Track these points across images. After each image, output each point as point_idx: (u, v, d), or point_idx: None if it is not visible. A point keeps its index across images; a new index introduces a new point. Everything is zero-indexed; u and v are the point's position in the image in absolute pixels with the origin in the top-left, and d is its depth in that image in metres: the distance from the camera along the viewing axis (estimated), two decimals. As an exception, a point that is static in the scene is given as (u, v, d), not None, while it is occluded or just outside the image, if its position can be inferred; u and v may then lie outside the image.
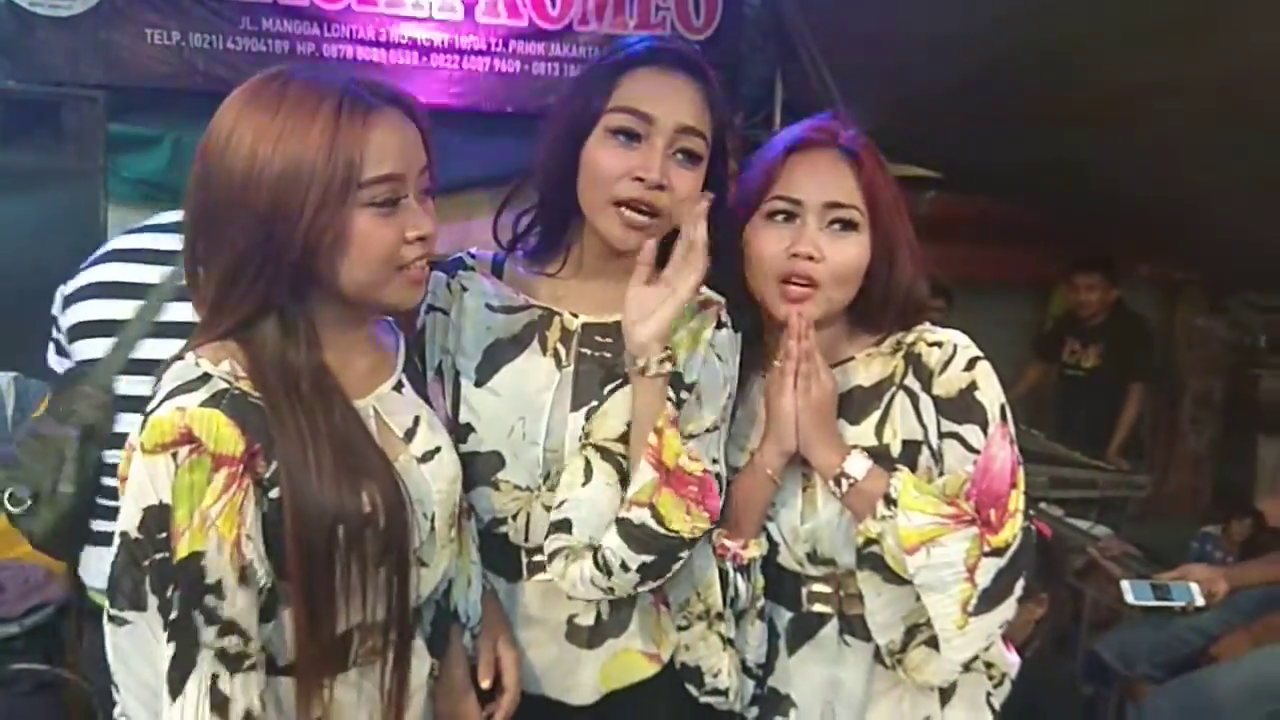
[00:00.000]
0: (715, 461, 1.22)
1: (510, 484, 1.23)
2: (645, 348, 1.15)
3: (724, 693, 1.27)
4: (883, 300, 1.24)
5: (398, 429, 1.09)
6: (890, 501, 1.15)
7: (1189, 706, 2.28)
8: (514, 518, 1.24)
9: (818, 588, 1.28)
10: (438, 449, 1.12)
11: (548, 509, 1.21)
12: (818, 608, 1.28)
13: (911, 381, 1.23)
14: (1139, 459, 4.07)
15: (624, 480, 1.18)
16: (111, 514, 1.03)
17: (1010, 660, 1.30)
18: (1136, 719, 2.49)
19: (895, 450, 1.22)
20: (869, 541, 1.19)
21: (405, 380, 1.14)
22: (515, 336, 1.26)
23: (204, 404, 0.93)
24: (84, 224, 2.77)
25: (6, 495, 1.43)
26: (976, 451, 1.18)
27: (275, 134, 0.93)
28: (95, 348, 1.43)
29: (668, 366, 1.16)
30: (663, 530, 1.14)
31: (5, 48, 3.27)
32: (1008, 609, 1.16)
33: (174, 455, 0.91)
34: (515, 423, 1.22)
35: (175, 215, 1.43)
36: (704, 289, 1.26)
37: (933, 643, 1.17)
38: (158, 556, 0.91)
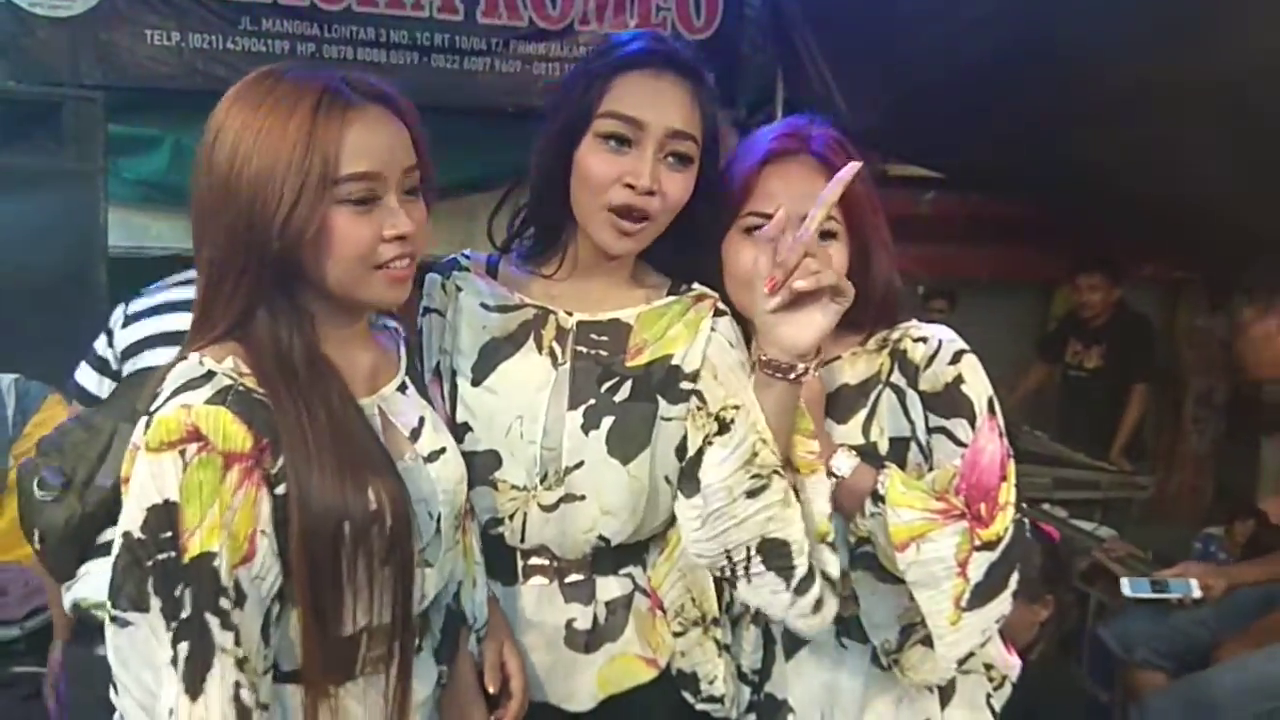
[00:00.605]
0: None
1: (508, 483, 1.23)
2: (805, 356, 1.12)
3: (719, 700, 1.27)
4: (863, 299, 1.23)
5: (403, 429, 1.09)
6: (878, 498, 1.14)
7: (1192, 706, 2.27)
8: (510, 518, 1.23)
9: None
10: (443, 449, 1.11)
11: (544, 509, 1.21)
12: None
13: (898, 378, 1.22)
14: (1142, 460, 4.06)
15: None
16: None
17: (1011, 662, 1.30)
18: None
19: (883, 448, 1.21)
20: (862, 541, 1.18)
21: (409, 381, 1.14)
22: (511, 335, 1.25)
23: (209, 401, 0.92)
24: (84, 225, 2.76)
25: (37, 480, 1.42)
26: (965, 445, 1.17)
27: (256, 130, 0.93)
28: (160, 356, 1.43)
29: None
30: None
31: (5, 48, 3.26)
32: (1003, 603, 1.14)
33: (181, 453, 0.90)
34: (512, 422, 1.22)
35: None
36: (696, 284, 1.27)
37: (928, 641, 1.16)
38: (161, 556, 0.90)
